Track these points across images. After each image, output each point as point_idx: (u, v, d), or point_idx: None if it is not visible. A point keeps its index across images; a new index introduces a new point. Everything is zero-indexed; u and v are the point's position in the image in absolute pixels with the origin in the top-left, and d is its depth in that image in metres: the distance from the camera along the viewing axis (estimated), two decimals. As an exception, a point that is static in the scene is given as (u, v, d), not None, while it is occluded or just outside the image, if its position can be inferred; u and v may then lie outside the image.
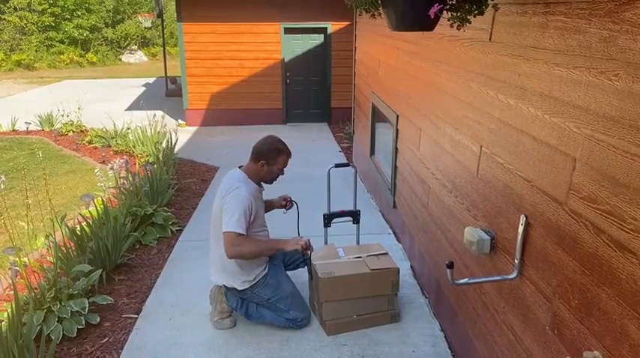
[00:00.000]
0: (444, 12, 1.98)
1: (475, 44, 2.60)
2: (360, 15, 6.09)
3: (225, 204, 2.96)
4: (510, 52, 2.20)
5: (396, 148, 4.47)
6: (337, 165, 3.94)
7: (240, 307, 3.26)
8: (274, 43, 9.93)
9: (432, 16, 1.95)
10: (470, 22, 1.99)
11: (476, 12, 1.96)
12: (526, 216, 2.07)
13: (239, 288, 3.15)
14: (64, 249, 3.81)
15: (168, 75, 15.30)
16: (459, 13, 1.99)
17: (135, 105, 12.94)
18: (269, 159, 3.07)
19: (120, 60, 26.17)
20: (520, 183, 2.12)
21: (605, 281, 1.57)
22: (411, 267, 4.08)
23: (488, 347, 2.52)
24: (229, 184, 3.06)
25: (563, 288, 1.81)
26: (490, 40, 2.42)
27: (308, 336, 3.21)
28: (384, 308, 3.30)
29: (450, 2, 1.98)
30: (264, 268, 3.19)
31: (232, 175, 3.15)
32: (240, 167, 3.19)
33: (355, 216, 3.85)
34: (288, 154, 3.16)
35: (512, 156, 2.19)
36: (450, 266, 2.15)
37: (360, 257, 3.43)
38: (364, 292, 3.24)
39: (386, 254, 3.46)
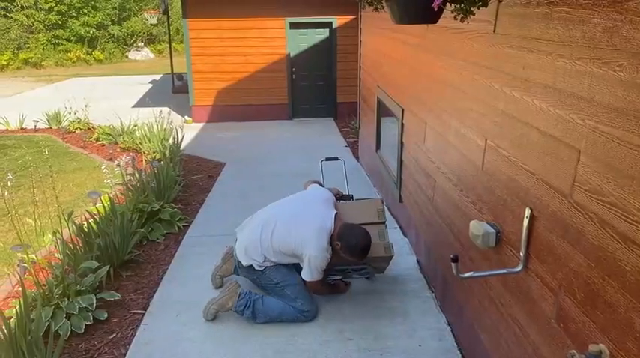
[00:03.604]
0: (448, 4, 1.96)
1: (479, 36, 2.59)
2: (364, 9, 6.07)
3: (312, 257, 3.20)
4: (514, 43, 2.18)
5: (402, 142, 4.46)
6: (327, 159, 4.67)
7: (247, 308, 3.27)
8: (280, 39, 9.91)
9: (436, 9, 1.94)
10: (474, 14, 1.97)
11: (479, 4, 1.94)
12: (531, 209, 2.06)
13: (255, 268, 3.35)
14: (71, 245, 3.84)
15: (174, 71, 15.33)
16: (462, 5, 1.97)
17: (142, 102, 12.99)
18: (344, 248, 3.21)
19: (127, 57, 26.24)
20: (525, 176, 2.11)
21: (610, 273, 1.56)
22: (417, 261, 4.07)
23: (494, 341, 2.52)
24: (320, 227, 3.23)
25: (569, 281, 1.80)
26: (494, 32, 2.40)
27: (314, 331, 3.22)
28: (377, 239, 3.43)
29: (453, -6, 1.96)
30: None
31: (325, 218, 3.28)
32: (336, 214, 3.36)
33: (348, 200, 4.06)
34: (359, 259, 3.29)
35: (517, 149, 2.18)
36: (455, 259, 2.15)
37: None
38: (354, 218, 3.44)
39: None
